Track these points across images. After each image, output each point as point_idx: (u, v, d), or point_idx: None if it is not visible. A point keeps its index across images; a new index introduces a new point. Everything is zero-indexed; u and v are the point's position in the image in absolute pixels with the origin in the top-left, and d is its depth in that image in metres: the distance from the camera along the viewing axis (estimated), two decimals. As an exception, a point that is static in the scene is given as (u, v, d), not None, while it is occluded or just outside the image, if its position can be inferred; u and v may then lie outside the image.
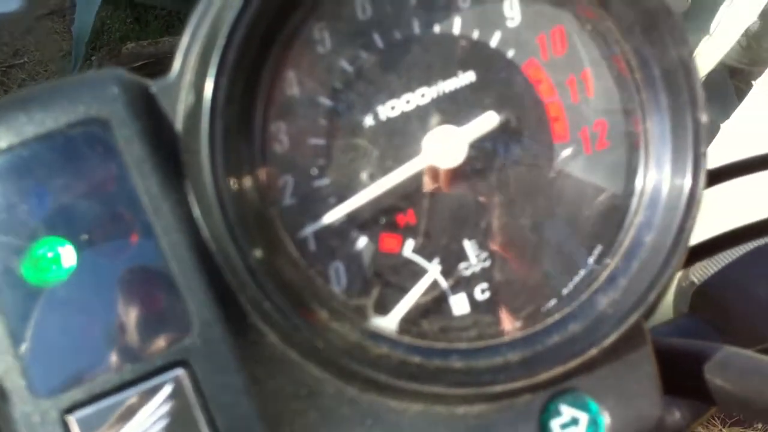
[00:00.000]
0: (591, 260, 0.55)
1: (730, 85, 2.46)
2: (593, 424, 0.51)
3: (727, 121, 2.16)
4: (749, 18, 2.21)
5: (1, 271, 0.47)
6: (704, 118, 0.52)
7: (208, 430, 0.47)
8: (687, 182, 0.53)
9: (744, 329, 0.79)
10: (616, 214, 0.55)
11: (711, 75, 2.31)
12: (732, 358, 0.57)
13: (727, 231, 0.77)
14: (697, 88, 0.52)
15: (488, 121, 0.54)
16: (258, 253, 0.48)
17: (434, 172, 0.54)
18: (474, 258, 0.54)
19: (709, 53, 2.23)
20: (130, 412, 0.46)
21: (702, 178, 0.52)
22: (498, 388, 0.50)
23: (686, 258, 0.76)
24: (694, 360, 0.58)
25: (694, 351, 0.59)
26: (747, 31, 2.33)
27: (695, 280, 0.88)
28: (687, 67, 0.52)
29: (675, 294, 0.93)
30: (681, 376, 0.59)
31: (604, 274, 0.54)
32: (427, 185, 0.54)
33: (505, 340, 0.52)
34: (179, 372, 0.47)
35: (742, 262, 0.84)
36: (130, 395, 0.47)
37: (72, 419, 0.46)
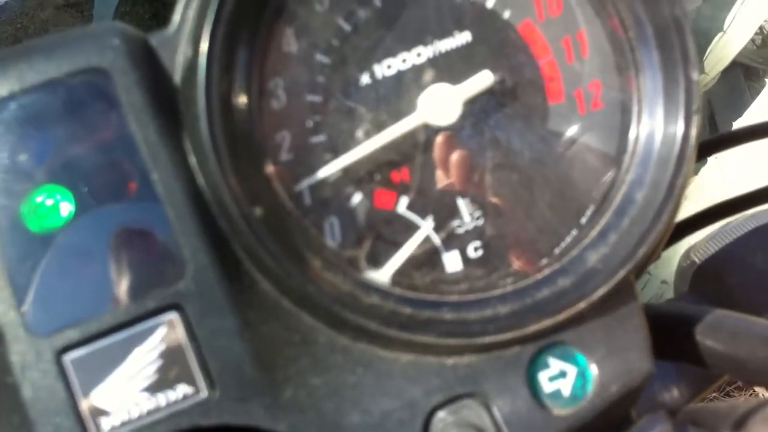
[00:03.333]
0: (583, 220, 0.56)
1: (743, 83, 2.46)
2: (581, 377, 0.52)
3: (739, 119, 2.15)
4: (763, 15, 2.20)
5: (2, 217, 0.48)
6: (696, 75, 0.53)
7: (201, 373, 0.48)
8: (678, 138, 0.53)
9: (743, 302, 0.79)
10: (608, 173, 0.56)
11: (725, 73, 2.31)
12: (722, 320, 0.57)
13: (717, 203, 0.77)
14: (689, 45, 0.53)
15: (483, 79, 0.55)
16: (253, 202, 0.49)
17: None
18: (467, 216, 0.55)
19: (722, 51, 2.23)
20: (123, 354, 0.48)
21: (693, 134, 0.53)
22: (487, 339, 0.50)
23: (678, 231, 0.77)
24: (685, 323, 0.59)
25: (684, 314, 0.59)
26: (761, 29, 2.32)
27: (696, 260, 0.88)
28: (679, 24, 0.53)
29: (676, 274, 0.93)
30: (672, 340, 0.60)
31: (595, 231, 0.54)
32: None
33: (496, 293, 0.53)
34: (172, 315, 0.48)
35: (742, 240, 0.84)
36: (124, 337, 0.48)
37: (66, 359, 0.47)
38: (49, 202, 0.49)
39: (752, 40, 2.37)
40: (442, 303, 0.52)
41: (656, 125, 0.54)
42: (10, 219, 0.48)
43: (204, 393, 0.48)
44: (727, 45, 2.22)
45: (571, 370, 0.52)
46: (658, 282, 2.03)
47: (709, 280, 0.85)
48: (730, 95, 2.42)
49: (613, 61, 0.56)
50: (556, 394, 0.52)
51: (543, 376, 0.52)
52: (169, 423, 0.47)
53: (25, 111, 0.49)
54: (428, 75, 0.55)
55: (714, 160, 2.04)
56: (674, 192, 0.52)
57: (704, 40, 2.24)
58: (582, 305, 0.51)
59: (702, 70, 2.28)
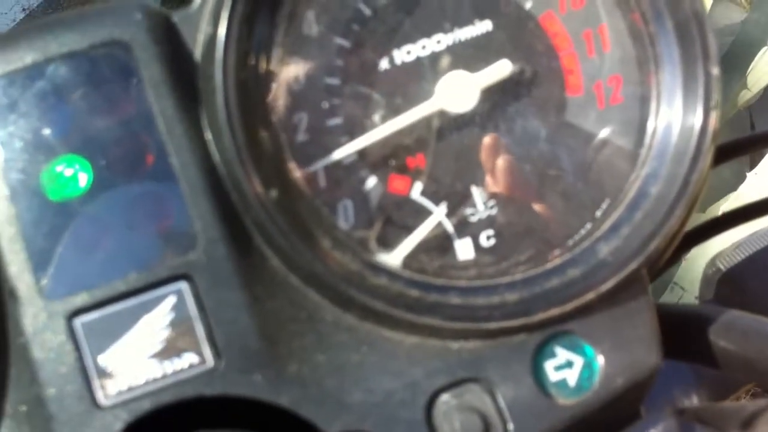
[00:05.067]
0: (598, 213, 0.56)
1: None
2: (588, 368, 0.52)
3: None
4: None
5: (22, 184, 0.49)
6: (716, 70, 0.52)
7: (207, 343, 0.48)
8: (695, 132, 0.53)
9: (765, 310, 0.78)
10: (623, 166, 0.56)
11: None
12: (736, 320, 0.57)
13: (729, 211, 0.76)
14: (710, 40, 0.52)
15: (501, 68, 0.55)
16: (266, 180, 0.50)
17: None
18: (481, 204, 0.55)
19: (766, 66, 2.20)
20: (133, 320, 0.48)
21: (711, 128, 0.52)
22: (493, 325, 0.51)
23: (691, 239, 0.76)
24: (698, 323, 0.58)
25: (698, 314, 0.59)
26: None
27: (721, 267, 0.87)
28: (699, 19, 0.53)
29: (701, 282, 0.92)
30: (685, 339, 0.59)
31: (608, 223, 0.54)
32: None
33: (505, 280, 0.53)
34: (182, 285, 0.49)
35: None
36: (134, 303, 0.49)
37: (77, 322, 0.48)
38: (69, 172, 0.50)
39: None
40: (450, 287, 0.52)
41: (674, 119, 0.54)
42: (31, 187, 0.49)
43: (210, 363, 0.48)
44: (771, 62, 2.18)
45: (578, 361, 0.52)
46: (692, 297, 2.01)
47: (733, 287, 0.84)
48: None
49: (633, 55, 0.56)
50: (562, 384, 0.51)
51: (549, 365, 0.51)
52: (174, 390, 0.48)
53: (47, 81, 0.50)
54: (447, 62, 0.55)
55: (754, 176, 2.02)
56: (688, 187, 0.52)
57: (749, 54, 2.21)
58: (590, 296, 0.51)
59: (744, 86, 2.26)
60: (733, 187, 2.01)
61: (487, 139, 0.55)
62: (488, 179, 0.55)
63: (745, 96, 2.28)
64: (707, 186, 0.55)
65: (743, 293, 0.82)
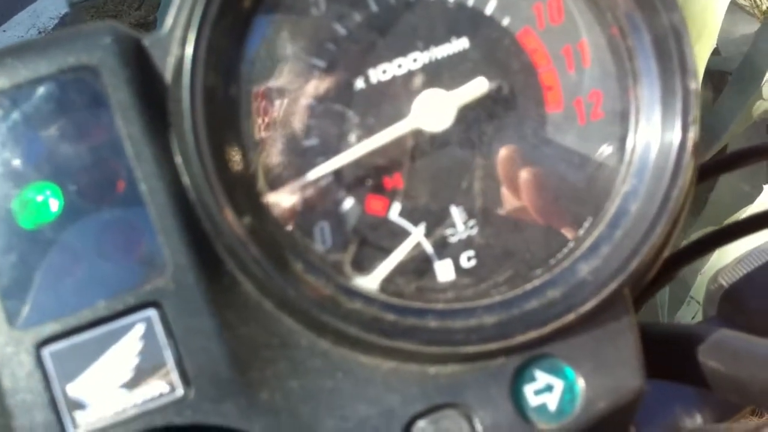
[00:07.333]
0: (581, 232, 0.54)
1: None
2: (569, 391, 0.50)
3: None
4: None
5: None
6: (694, 85, 0.51)
7: (177, 371, 0.48)
8: (674, 148, 0.52)
9: (765, 327, 0.76)
10: (604, 183, 0.54)
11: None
12: (726, 340, 0.55)
13: (714, 230, 0.75)
14: (687, 54, 0.51)
15: (478, 86, 0.54)
16: (237, 206, 0.49)
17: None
18: (461, 225, 0.54)
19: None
20: (101, 349, 0.48)
21: (690, 144, 0.51)
22: (471, 349, 0.49)
23: (680, 258, 0.74)
24: (688, 342, 0.57)
25: (687, 333, 0.57)
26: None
27: (724, 284, 0.85)
28: (678, 32, 0.52)
29: (704, 298, 0.90)
30: (675, 360, 0.58)
31: (587, 243, 0.53)
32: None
33: (483, 303, 0.52)
34: (151, 312, 0.48)
35: (769, 263, 0.81)
36: (103, 332, 0.48)
37: (45, 352, 0.47)
38: (39, 199, 0.49)
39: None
40: (427, 311, 0.51)
41: (653, 135, 0.53)
42: (1, 215, 0.49)
43: (179, 391, 0.48)
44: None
45: (558, 384, 0.50)
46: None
47: (734, 304, 0.82)
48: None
49: (613, 70, 0.55)
50: (542, 409, 0.50)
51: (529, 389, 0.50)
52: (144, 420, 0.47)
53: (16, 108, 0.49)
54: (423, 80, 0.54)
55: (771, 188, 1.99)
56: (668, 204, 0.51)
57: (764, 64, 2.19)
58: (570, 317, 0.50)
59: (760, 96, 2.23)
60: (750, 200, 1.98)
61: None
62: (469, 201, 0.54)
63: (762, 106, 2.25)
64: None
65: (744, 310, 0.80)
